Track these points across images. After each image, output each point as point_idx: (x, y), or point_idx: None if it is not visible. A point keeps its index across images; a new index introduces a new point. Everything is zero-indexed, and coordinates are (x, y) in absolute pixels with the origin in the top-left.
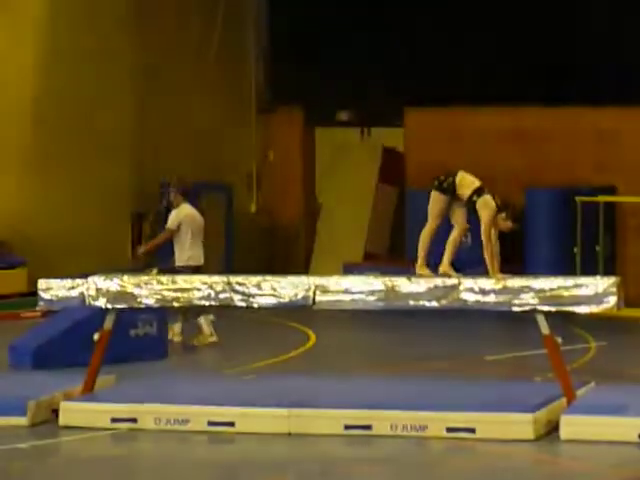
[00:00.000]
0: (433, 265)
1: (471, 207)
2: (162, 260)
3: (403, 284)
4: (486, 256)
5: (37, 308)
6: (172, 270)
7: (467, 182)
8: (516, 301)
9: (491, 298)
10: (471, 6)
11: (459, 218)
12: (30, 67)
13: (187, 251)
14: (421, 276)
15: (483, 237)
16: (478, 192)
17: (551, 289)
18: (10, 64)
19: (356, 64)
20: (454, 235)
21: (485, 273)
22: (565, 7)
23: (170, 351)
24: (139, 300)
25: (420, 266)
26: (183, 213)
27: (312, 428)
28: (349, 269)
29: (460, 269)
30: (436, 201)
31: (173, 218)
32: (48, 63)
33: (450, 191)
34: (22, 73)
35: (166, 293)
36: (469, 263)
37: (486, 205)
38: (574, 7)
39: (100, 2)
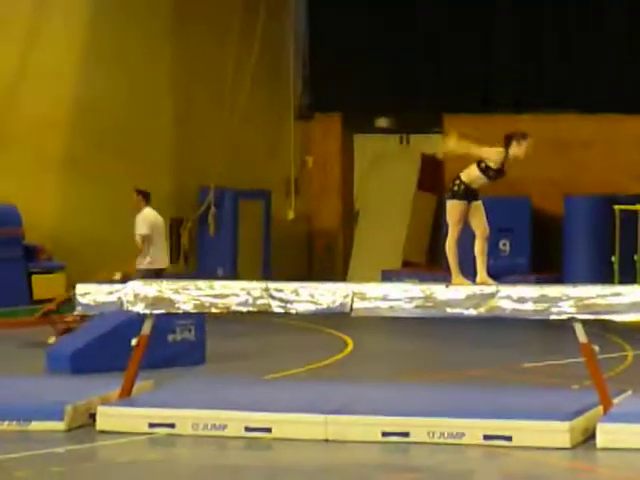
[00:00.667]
0: (470, 275)
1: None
2: (203, 267)
3: (441, 291)
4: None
5: (75, 313)
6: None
7: (471, 170)
8: (554, 309)
9: (529, 306)
10: (509, 13)
11: (479, 222)
12: (68, 72)
13: (151, 254)
14: (460, 285)
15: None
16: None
17: (589, 297)
18: (49, 69)
19: (395, 71)
20: (479, 245)
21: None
22: (596, 15)
23: (208, 357)
24: (177, 306)
25: (456, 276)
26: (149, 217)
27: (349, 435)
28: (387, 276)
29: (497, 277)
30: (453, 208)
31: (141, 223)
32: (87, 68)
33: (462, 192)
34: (61, 78)
35: (204, 299)
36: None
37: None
38: (602, 15)
39: (141, 8)
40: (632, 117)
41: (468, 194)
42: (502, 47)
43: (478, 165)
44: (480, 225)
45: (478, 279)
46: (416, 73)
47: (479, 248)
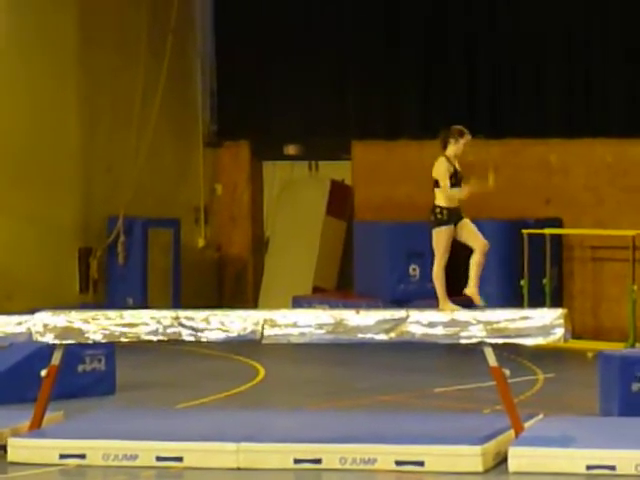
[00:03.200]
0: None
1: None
2: (112, 297)
3: (351, 317)
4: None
5: None
6: None
7: (438, 194)
8: (464, 333)
9: (439, 330)
10: (415, 42)
11: (475, 238)
12: None
13: None
14: (452, 311)
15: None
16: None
17: (498, 321)
18: None
19: (302, 98)
20: (477, 258)
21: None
22: (507, 36)
23: (118, 387)
24: (86, 336)
25: (444, 303)
26: None
27: (261, 462)
28: (298, 303)
29: (407, 301)
30: (440, 235)
31: None
32: None
33: (446, 216)
34: None
35: (113, 328)
36: (417, 295)
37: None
38: (516, 40)
39: (48, 33)
40: (537, 141)
41: (452, 216)
42: (406, 73)
43: (437, 185)
44: (477, 240)
45: (467, 290)
46: (323, 100)
47: (476, 260)
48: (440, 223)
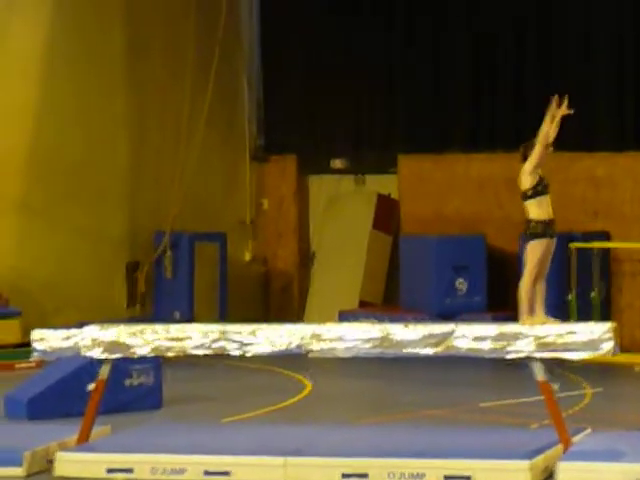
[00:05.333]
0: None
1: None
2: (159, 311)
3: (398, 331)
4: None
5: (31, 359)
6: None
7: (530, 206)
8: (511, 348)
9: (486, 345)
10: (463, 54)
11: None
12: (23, 116)
13: None
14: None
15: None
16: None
17: (546, 336)
18: (3, 114)
19: (349, 111)
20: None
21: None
22: (544, 59)
23: (165, 401)
24: (133, 350)
25: (527, 318)
26: None
27: (309, 477)
28: (344, 317)
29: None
30: (534, 248)
31: None
32: (41, 111)
33: (542, 230)
34: (15, 122)
35: (160, 342)
36: (464, 309)
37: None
38: (562, 53)
39: (96, 49)
40: (585, 155)
41: (548, 230)
42: (456, 87)
43: (526, 197)
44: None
45: (537, 320)
46: (370, 113)
47: (541, 286)
48: (535, 236)
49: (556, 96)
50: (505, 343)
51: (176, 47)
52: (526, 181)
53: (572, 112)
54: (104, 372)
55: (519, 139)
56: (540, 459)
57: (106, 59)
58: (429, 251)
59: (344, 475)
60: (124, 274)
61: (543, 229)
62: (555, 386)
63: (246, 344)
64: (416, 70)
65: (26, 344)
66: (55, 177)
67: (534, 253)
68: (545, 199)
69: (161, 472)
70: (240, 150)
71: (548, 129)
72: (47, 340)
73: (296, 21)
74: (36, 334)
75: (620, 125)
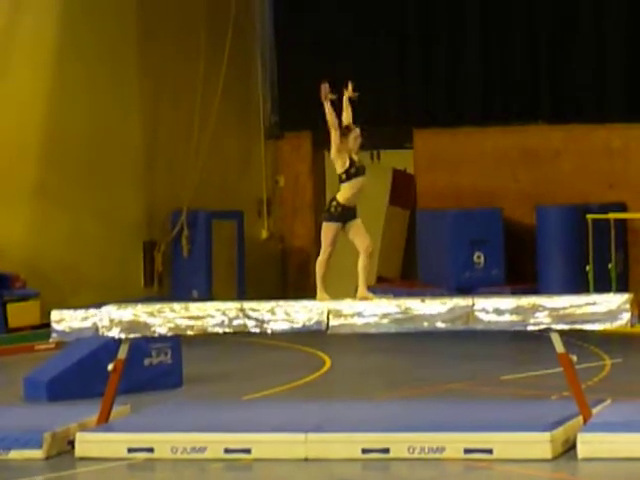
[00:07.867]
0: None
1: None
2: (177, 290)
3: (416, 306)
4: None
5: (50, 340)
6: None
7: (342, 189)
8: (530, 320)
9: (505, 318)
10: (475, 28)
11: (362, 240)
12: (35, 101)
13: None
14: (323, 300)
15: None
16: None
17: (564, 307)
18: (16, 99)
19: (363, 87)
20: (363, 261)
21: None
22: (565, 28)
23: (184, 380)
24: (152, 329)
25: (320, 292)
26: None
27: (329, 453)
28: None
29: (472, 289)
30: (328, 230)
31: None
32: (54, 95)
33: (338, 213)
34: (28, 107)
35: (179, 321)
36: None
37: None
38: (572, 28)
39: (108, 34)
40: (600, 126)
41: (344, 215)
42: (469, 61)
43: (341, 179)
44: (363, 243)
45: (359, 294)
46: (384, 89)
47: (362, 264)
48: (331, 218)
49: (345, 81)
50: (524, 316)
51: (189, 27)
52: (337, 166)
53: (356, 95)
54: (123, 352)
55: (534, 112)
56: (560, 431)
57: (118, 41)
58: (446, 225)
59: (364, 450)
60: (141, 254)
61: (340, 213)
62: (574, 357)
63: (265, 321)
64: (431, 44)
65: (45, 325)
66: (70, 160)
67: (326, 234)
68: (358, 182)
69: (181, 451)
70: (255, 128)
71: (330, 115)
72: (66, 321)
73: None
74: (55, 315)
75: (635, 96)
